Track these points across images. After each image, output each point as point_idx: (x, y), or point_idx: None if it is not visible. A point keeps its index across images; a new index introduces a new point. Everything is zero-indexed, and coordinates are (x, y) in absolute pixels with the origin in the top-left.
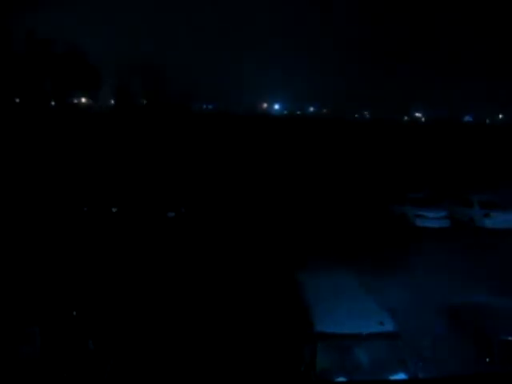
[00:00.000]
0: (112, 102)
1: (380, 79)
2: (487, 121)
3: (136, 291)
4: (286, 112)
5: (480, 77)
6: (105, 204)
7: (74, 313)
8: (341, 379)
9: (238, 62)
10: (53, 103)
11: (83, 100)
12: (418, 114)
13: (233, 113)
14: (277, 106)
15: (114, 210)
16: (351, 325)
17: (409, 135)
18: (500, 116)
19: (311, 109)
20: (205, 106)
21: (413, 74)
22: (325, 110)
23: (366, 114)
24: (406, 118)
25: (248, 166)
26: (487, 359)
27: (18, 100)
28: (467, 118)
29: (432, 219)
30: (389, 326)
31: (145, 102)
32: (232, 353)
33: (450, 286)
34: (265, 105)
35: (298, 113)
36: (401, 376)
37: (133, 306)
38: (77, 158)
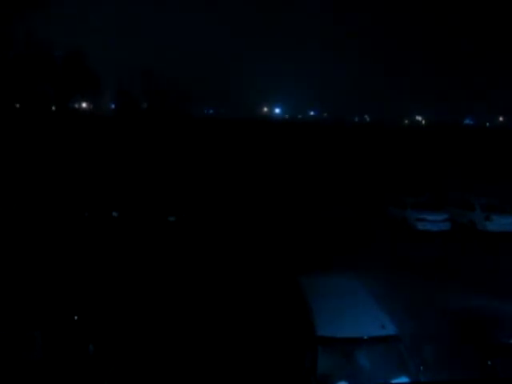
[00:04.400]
0: (113, 106)
1: (380, 83)
2: (487, 124)
3: (137, 296)
4: (286, 116)
5: (481, 80)
6: (106, 208)
7: (76, 317)
8: (342, 383)
9: (239, 66)
10: (53, 108)
11: (84, 105)
12: (418, 117)
13: (234, 117)
14: (277, 110)
15: (114, 214)
16: (352, 329)
17: (409, 138)
18: (500, 119)
19: (312, 113)
20: (206, 111)
21: (413, 77)
22: (325, 114)
23: (367, 117)
24: (406, 121)
25: (248, 170)
26: (489, 362)
27: (18, 105)
28: (467, 121)
29: (433, 222)
30: (390, 330)
31: (146, 106)
32: (233, 357)
33: (452, 290)
34: (265, 109)
35: (299, 117)
36: (403, 380)
37: (134, 311)
38: (78, 162)
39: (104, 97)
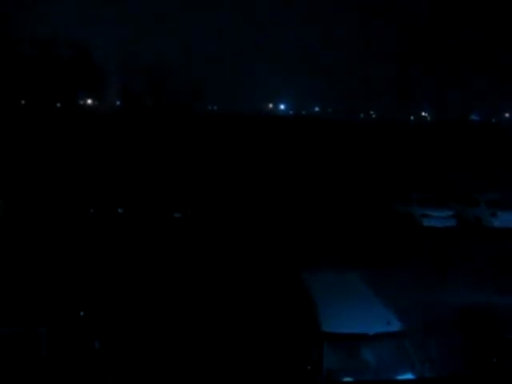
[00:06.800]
0: (118, 102)
1: (385, 79)
2: (493, 120)
3: (142, 292)
4: (291, 112)
5: (485, 75)
6: (111, 205)
7: (82, 313)
8: (347, 379)
9: (243, 62)
10: (58, 105)
11: (89, 101)
12: (423, 114)
13: (240, 113)
14: (282, 106)
15: (120, 210)
16: (358, 325)
17: (414, 134)
18: (506, 115)
19: (316, 109)
20: (210, 107)
21: (418, 74)
22: (330, 110)
23: (372, 113)
24: (411, 117)
25: (254, 166)
26: (494, 359)
27: (23, 102)
28: (473, 117)
29: (438, 219)
30: (395, 326)
31: (151, 102)
32: (238, 353)
33: (459, 286)
34: (270, 105)
35: (303, 113)
36: (408, 376)
37: (139, 307)
38: (83, 159)
39: (109, 94)
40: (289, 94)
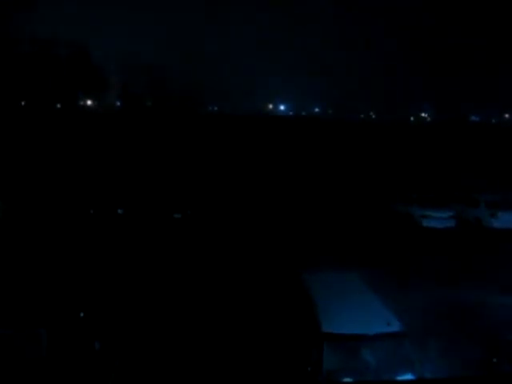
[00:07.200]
0: (118, 103)
1: (385, 79)
2: (493, 120)
3: (142, 292)
4: (291, 113)
5: (485, 75)
6: (111, 206)
7: (81, 314)
8: (347, 380)
9: (243, 62)
10: (58, 105)
11: (89, 102)
12: (423, 114)
13: (240, 114)
14: (282, 107)
15: (120, 211)
16: (358, 325)
17: (414, 135)
18: (506, 115)
19: (316, 109)
20: (210, 107)
21: (418, 74)
22: (330, 111)
23: (372, 114)
24: (411, 118)
25: (254, 167)
26: (494, 360)
27: (23, 103)
28: (473, 118)
29: (438, 219)
30: (395, 327)
31: (150, 103)
32: (239, 353)
33: (459, 286)
34: (270, 106)
35: (303, 114)
36: (408, 376)
37: (139, 307)
38: (83, 160)
39: (109, 94)
40: (289, 95)
